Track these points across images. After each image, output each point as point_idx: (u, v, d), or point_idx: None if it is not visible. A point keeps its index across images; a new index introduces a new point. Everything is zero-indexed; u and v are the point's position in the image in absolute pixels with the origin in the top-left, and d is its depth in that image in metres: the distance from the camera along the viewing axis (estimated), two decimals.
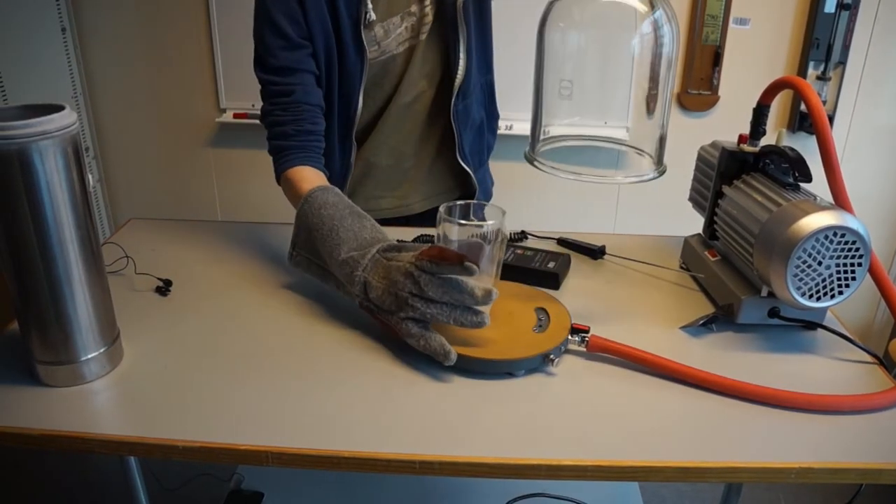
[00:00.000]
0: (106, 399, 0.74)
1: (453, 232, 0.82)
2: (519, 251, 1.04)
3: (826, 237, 0.75)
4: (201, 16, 2.03)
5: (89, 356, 0.75)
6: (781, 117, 2.09)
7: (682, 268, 1.05)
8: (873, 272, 0.81)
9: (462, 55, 1.13)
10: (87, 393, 0.74)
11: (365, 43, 1.08)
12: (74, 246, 0.71)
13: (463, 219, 0.84)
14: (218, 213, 2.33)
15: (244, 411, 0.71)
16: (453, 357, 0.75)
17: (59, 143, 0.66)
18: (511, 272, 0.98)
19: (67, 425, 0.69)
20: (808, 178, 0.84)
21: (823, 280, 0.77)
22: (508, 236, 1.12)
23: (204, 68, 2.10)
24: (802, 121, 2.04)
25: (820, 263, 0.76)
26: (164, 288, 0.96)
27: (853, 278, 0.77)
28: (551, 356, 0.78)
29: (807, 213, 0.76)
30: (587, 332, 0.81)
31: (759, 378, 0.76)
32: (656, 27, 0.77)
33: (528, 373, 0.79)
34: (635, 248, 1.11)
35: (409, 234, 1.12)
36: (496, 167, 1.39)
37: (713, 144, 0.99)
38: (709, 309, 0.93)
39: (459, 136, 1.19)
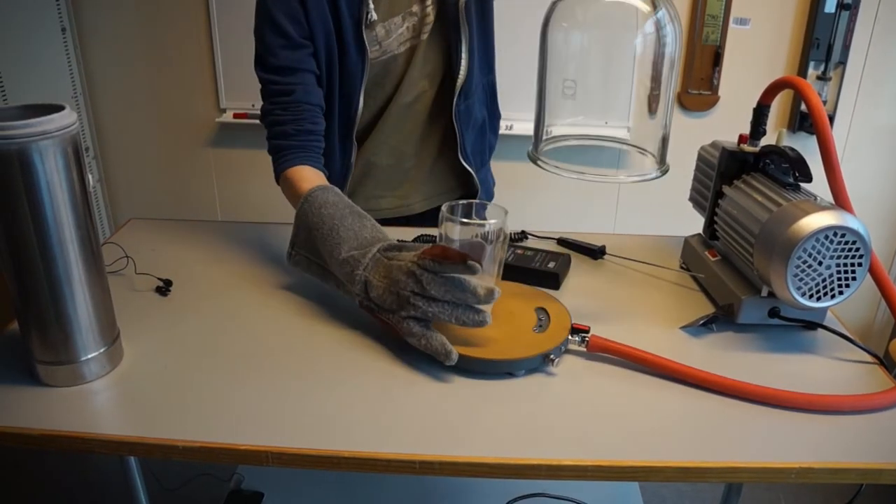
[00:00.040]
0: (106, 399, 0.74)
1: (455, 231, 0.82)
2: (519, 251, 1.04)
3: (826, 237, 0.75)
4: (201, 16, 2.03)
5: (89, 356, 0.75)
6: (782, 117, 2.09)
7: (682, 268, 1.05)
8: (873, 272, 0.81)
9: (464, 55, 1.13)
10: (87, 393, 0.74)
11: (366, 43, 1.08)
12: (74, 246, 0.71)
13: (465, 218, 0.84)
14: (218, 213, 2.33)
15: (244, 411, 0.71)
16: (454, 357, 0.75)
17: (59, 143, 0.66)
18: (511, 272, 0.98)
19: (67, 425, 0.69)
20: (809, 178, 0.84)
21: (824, 280, 0.77)
22: (509, 236, 1.12)
23: (204, 68, 2.10)
24: (803, 121, 2.04)
25: (820, 263, 0.76)
26: (164, 288, 0.96)
27: (853, 278, 0.77)
28: (551, 356, 0.78)
29: (807, 213, 0.76)
30: (587, 332, 0.81)
31: (759, 378, 0.76)
32: (659, 27, 0.77)
33: (529, 373, 0.78)
34: (635, 248, 1.11)
35: (409, 234, 1.12)
36: (496, 167, 1.39)
37: (713, 144, 0.99)
38: (709, 309, 0.93)
39: (461, 137, 1.19)
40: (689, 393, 0.76)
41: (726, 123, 2.08)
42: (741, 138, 0.94)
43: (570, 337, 0.81)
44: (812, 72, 2.00)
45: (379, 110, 1.18)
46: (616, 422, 0.71)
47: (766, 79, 0.90)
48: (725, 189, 0.94)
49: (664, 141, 0.83)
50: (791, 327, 0.87)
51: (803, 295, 0.78)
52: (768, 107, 0.92)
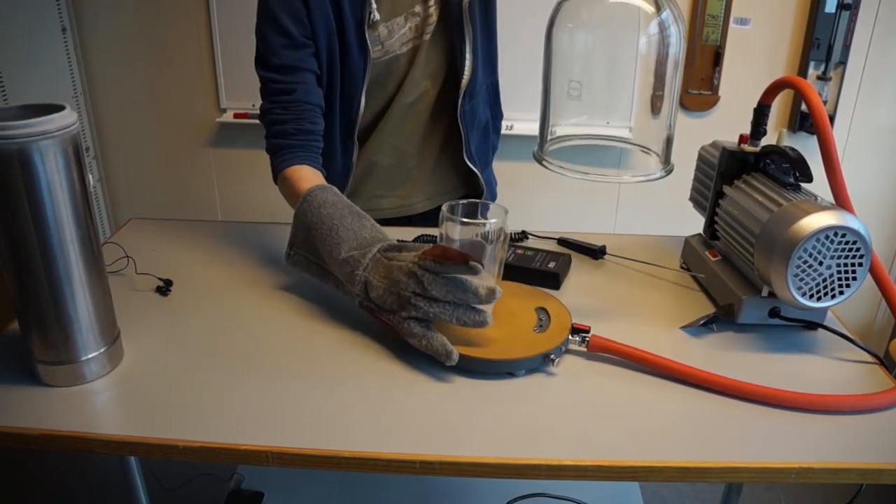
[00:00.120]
0: (106, 399, 0.74)
1: (456, 231, 0.82)
2: (519, 251, 1.04)
3: (827, 237, 0.75)
4: (201, 16, 2.03)
5: (90, 356, 0.75)
6: (782, 117, 2.09)
7: (682, 268, 1.05)
8: (874, 272, 0.81)
9: (468, 56, 1.13)
10: (87, 393, 0.74)
11: (368, 43, 1.08)
12: (75, 246, 0.71)
13: (465, 218, 0.84)
14: (218, 213, 2.33)
15: (244, 411, 0.71)
16: (455, 357, 0.75)
17: (59, 142, 0.66)
18: (512, 272, 0.98)
19: (67, 425, 0.69)
20: (809, 178, 0.84)
21: (824, 280, 0.77)
22: (510, 236, 1.12)
23: (204, 68, 2.10)
24: (803, 121, 2.04)
25: (821, 263, 0.76)
26: (164, 288, 0.96)
27: (854, 278, 0.77)
28: (552, 356, 0.78)
29: (807, 213, 0.76)
30: (588, 331, 0.81)
31: (759, 378, 0.76)
32: (663, 28, 0.77)
33: (529, 373, 0.78)
34: (636, 248, 1.11)
35: (410, 234, 1.12)
36: (496, 167, 1.39)
37: (714, 144, 0.99)
38: (709, 309, 0.93)
39: (466, 137, 1.19)
40: (689, 393, 0.76)
41: (726, 123, 2.08)
42: (741, 138, 0.94)
43: (570, 337, 0.81)
44: (812, 72, 2.00)
45: (381, 110, 1.18)
46: (616, 422, 0.71)
47: (767, 79, 0.90)
48: (726, 189, 0.94)
49: (668, 141, 0.83)
50: (791, 327, 0.87)
51: (804, 295, 0.78)
52: (769, 107, 0.92)
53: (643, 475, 0.65)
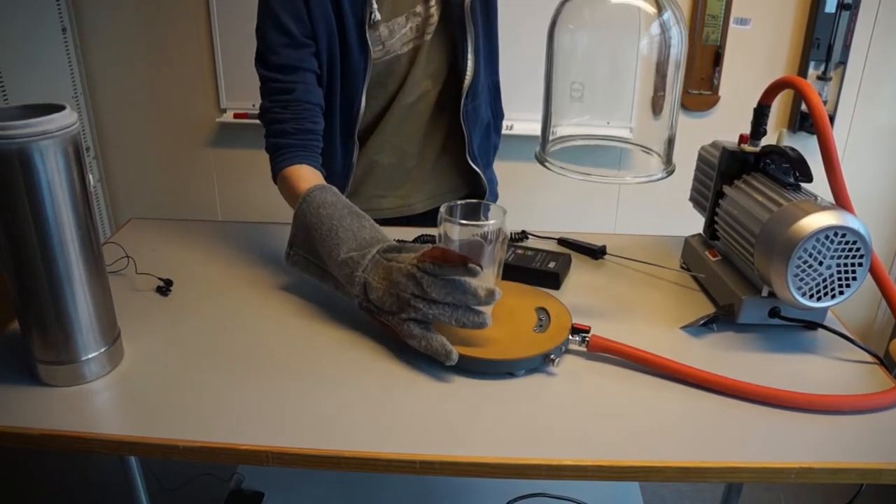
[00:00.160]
0: (106, 399, 0.74)
1: (454, 232, 0.82)
2: (519, 251, 1.04)
3: (827, 237, 0.75)
4: (201, 16, 2.03)
5: (90, 356, 0.75)
6: (782, 117, 2.09)
7: (682, 268, 1.05)
8: (874, 272, 0.81)
9: (470, 56, 1.13)
10: (87, 393, 0.74)
11: (369, 43, 1.07)
12: (75, 246, 0.71)
13: (464, 219, 0.84)
14: (218, 213, 2.33)
15: (244, 411, 0.71)
16: (455, 357, 0.75)
17: (59, 142, 0.66)
18: (512, 272, 0.98)
19: (68, 425, 0.69)
20: (809, 178, 0.84)
21: (824, 280, 0.77)
22: (509, 236, 1.12)
23: (204, 68, 2.10)
24: (803, 121, 2.04)
25: (821, 263, 0.76)
26: (164, 288, 0.96)
27: (854, 278, 0.77)
28: (552, 356, 0.78)
29: (807, 212, 0.76)
30: (588, 331, 0.81)
31: (759, 378, 0.76)
32: (665, 29, 0.77)
33: (529, 373, 0.78)
34: (636, 248, 1.11)
35: (410, 234, 1.12)
36: (496, 167, 1.39)
37: (714, 144, 0.99)
38: (709, 309, 0.93)
39: (469, 137, 1.19)
40: (689, 393, 0.76)
41: (727, 123, 2.08)
42: (741, 138, 0.94)
43: (570, 337, 0.81)
44: (812, 72, 2.00)
45: (381, 110, 1.18)
46: (616, 422, 0.71)
47: (767, 79, 0.90)
48: (726, 189, 0.94)
49: (670, 142, 0.83)
50: (791, 327, 0.87)
51: (804, 295, 0.78)
52: (769, 107, 0.92)
53: (643, 475, 0.65)
